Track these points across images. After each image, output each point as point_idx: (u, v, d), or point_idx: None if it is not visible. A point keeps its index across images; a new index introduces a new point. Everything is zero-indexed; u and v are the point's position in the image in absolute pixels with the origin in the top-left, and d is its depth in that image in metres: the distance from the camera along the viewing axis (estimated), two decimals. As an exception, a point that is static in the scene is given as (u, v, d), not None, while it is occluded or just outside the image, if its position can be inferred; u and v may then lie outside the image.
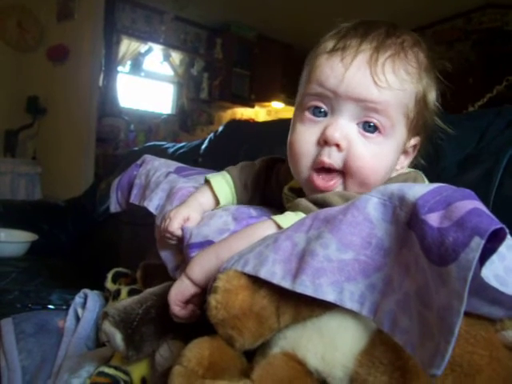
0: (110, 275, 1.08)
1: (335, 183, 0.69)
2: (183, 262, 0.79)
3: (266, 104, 6.25)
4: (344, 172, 0.68)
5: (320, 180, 0.69)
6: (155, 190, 0.94)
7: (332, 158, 0.68)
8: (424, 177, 0.74)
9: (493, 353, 0.49)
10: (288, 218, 0.66)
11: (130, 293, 0.96)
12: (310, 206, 0.67)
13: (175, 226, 0.79)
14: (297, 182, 0.78)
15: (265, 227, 0.66)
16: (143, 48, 5.25)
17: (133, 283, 1.02)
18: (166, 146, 1.99)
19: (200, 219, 0.81)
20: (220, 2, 4.90)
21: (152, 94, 5.53)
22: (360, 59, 0.66)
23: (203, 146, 1.78)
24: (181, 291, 0.67)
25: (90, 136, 4.01)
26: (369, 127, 0.67)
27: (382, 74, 0.65)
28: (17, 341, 0.95)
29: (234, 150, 1.51)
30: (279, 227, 0.65)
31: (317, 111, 0.70)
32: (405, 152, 0.74)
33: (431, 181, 0.66)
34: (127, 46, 5.09)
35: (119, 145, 4.81)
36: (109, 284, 1.06)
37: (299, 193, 0.75)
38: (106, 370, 0.75)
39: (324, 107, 0.69)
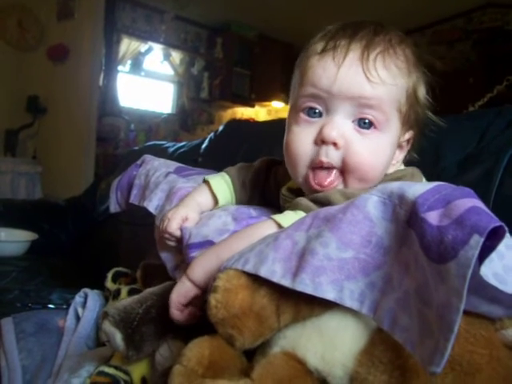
0: (110, 275, 1.08)
1: (334, 182, 0.70)
2: (183, 262, 0.79)
3: (267, 103, 6.25)
4: (343, 170, 0.69)
5: (318, 180, 0.70)
6: (155, 190, 0.94)
7: (330, 156, 0.68)
8: (421, 174, 0.75)
9: (493, 352, 0.49)
10: (288, 217, 0.66)
11: (130, 292, 0.96)
12: (311, 204, 0.67)
13: (174, 226, 0.79)
14: (294, 183, 0.79)
15: (265, 227, 0.67)
16: (143, 47, 5.25)
17: (133, 283, 1.02)
18: (167, 145, 1.99)
19: (198, 219, 0.81)
20: (220, 1, 4.90)
21: (152, 94, 5.52)
22: (351, 57, 0.67)
23: (203, 146, 1.78)
24: (182, 293, 0.67)
25: (90, 135, 4.01)
26: (364, 124, 0.68)
27: (374, 69, 0.67)
28: (17, 340, 0.95)
29: (234, 150, 1.51)
30: (280, 226, 0.65)
31: (311, 112, 0.71)
32: (399, 146, 0.76)
33: (431, 181, 0.66)
34: (127, 45, 5.08)
35: (119, 144, 4.81)
36: (109, 283, 1.06)
37: (297, 193, 0.75)
38: (106, 369, 0.75)
39: (319, 108, 0.70)
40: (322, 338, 0.53)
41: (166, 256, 0.85)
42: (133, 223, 1.74)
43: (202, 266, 0.67)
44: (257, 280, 0.53)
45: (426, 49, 5.04)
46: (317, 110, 0.70)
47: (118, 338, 0.72)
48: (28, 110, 4.08)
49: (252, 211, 0.81)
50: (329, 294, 0.49)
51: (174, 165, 1.04)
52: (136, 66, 5.23)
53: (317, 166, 0.70)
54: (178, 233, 0.79)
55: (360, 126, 0.68)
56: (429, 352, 0.40)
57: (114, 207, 1.08)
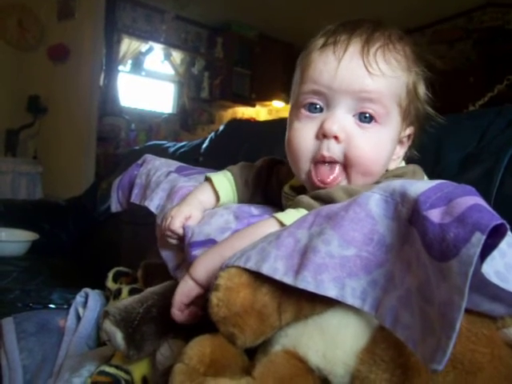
0: (110, 274, 1.08)
1: (338, 178, 0.70)
2: (184, 261, 0.79)
3: (267, 103, 6.25)
4: (345, 165, 0.70)
5: (321, 176, 0.70)
6: (156, 189, 0.94)
7: (331, 150, 0.69)
8: (422, 171, 0.75)
9: (494, 351, 0.49)
10: (290, 215, 0.66)
11: (131, 292, 0.96)
12: (312, 202, 0.67)
13: (177, 224, 0.79)
14: (297, 181, 0.79)
15: (267, 225, 0.67)
16: (144, 47, 5.25)
17: (134, 282, 1.02)
18: (167, 145, 2.00)
19: (201, 217, 0.81)
20: (221, 1, 4.90)
21: (153, 94, 5.53)
22: (352, 51, 0.68)
23: (204, 146, 1.78)
24: (185, 293, 0.67)
25: (90, 135, 4.01)
26: (365, 118, 0.69)
27: (374, 62, 0.67)
28: (18, 340, 0.95)
29: (234, 150, 1.51)
30: (282, 224, 0.65)
31: (312, 107, 0.71)
32: (400, 142, 0.76)
33: (432, 179, 0.66)
34: (128, 45, 5.08)
35: (120, 144, 4.81)
36: (110, 283, 1.06)
37: (299, 191, 0.75)
38: (107, 369, 0.75)
39: (319, 103, 0.71)
40: (324, 337, 0.53)
41: (167, 255, 0.85)
42: (134, 223, 1.74)
43: (204, 265, 0.67)
44: (258, 278, 0.53)
45: (427, 48, 5.01)
46: (318, 106, 0.71)
47: (118, 337, 0.72)
48: (28, 110, 4.08)
49: (254, 210, 0.81)
50: (331, 292, 0.49)
51: (175, 164, 1.04)
52: (136, 66, 5.23)
53: (319, 160, 0.70)
54: (180, 231, 0.79)
55: (361, 120, 0.69)
56: (430, 350, 0.40)
57: (115, 207, 1.08)
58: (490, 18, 4.98)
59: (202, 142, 1.81)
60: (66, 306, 1.16)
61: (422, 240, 0.44)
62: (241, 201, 0.89)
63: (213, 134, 1.83)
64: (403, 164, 0.78)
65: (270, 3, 4.65)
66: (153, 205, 0.92)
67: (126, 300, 0.78)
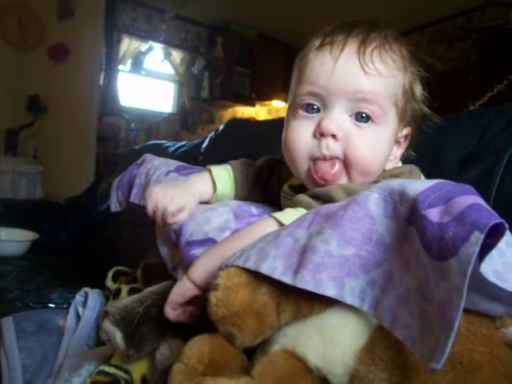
0: (110, 274, 1.08)
1: (338, 175, 0.70)
2: (182, 261, 0.79)
3: (267, 103, 6.25)
4: (345, 163, 0.70)
5: (321, 173, 0.70)
6: (155, 188, 0.94)
7: (330, 149, 0.69)
8: (420, 171, 0.75)
9: (493, 350, 0.49)
10: (289, 215, 0.66)
11: (131, 291, 0.96)
12: (311, 201, 0.68)
13: (170, 219, 0.79)
14: (296, 180, 0.79)
15: (266, 225, 0.67)
16: (144, 47, 5.25)
17: (133, 282, 1.02)
18: (167, 144, 2.00)
19: (194, 208, 0.81)
20: (220, 0, 4.90)
21: (153, 93, 5.53)
22: (348, 51, 0.68)
23: (204, 145, 1.78)
24: (181, 293, 0.67)
25: (90, 135, 4.02)
26: (361, 118, 0.69)
27: (370, 62, 0.68)
28: (17, 339, 0.95)
29: (234, 149, 1.50)
30: (280, 224, 0.65)
31: (310, 108, 0.72)
32: (397, 142, 0.76)
33: (431, 179, 0.66)
34: (128, 44, 5.09)
35: (120, 144, 4.81)
36: (109, 283, 1.06)
37: (298, 190, 0.76)
38: (107, 368, 0.75)
39: (316, 104, 0.71)
40: (323, 336, 0.53)
41: (166, 254, 0.86)
42: (133, 222, 1.74)
43: (203, 266, 0.67)
44: (257, 278, 0.53)
45: (426, 48, 5.04)
46: (315, 106, 0.71)
47: (118, 336, 0.72)
48: (28, 110, 4.08)
49: (253, 209, 0.81)
50: (329, 291, 0.49)
51: (174, 163, 1.04)
52: (136, 66, 5.23)
53: (318, 158, 0.70)
54: (172, 223, 0.80)
55: (357, 119, 0.70)
56: (429, 349, 0.40)
57: (114, 206, 1.08)
58: (489, 17, 4.98)
59: (202, 142, 1.81)
60: (65, 306, 1.16)
61: (421, 239, 0.44)
62: (238, 195, 0.89)
63: (213, 133, 1.83)
64: (400, 164, 0.79)
65: (270, 3, 4.65)
66: (152, 204, 0.92)
67: (126, 300, 0.78)
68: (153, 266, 0.99)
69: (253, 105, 6.25)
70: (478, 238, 0.40)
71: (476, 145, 0.95)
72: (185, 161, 1.11)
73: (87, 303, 1.04)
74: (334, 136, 0.69)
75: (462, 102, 2.46)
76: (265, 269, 0.53)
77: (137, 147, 2.43)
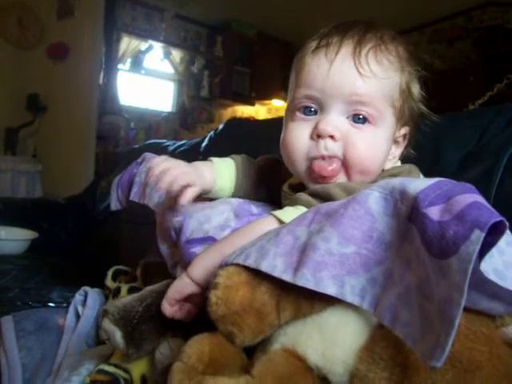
0: (109, 273, 1.08)
1: (336, 172, 0.70)
2: (181, 259, 0.79)
3: (267, 102, 6.25)
4: (344, 163, 0.70)
5: (319, 169, 0.70)
6: (155, 187, 0.94)
7: (329, 149, 0.70)
8: (418, 170, 0.75)
9: (493, 349, 0.49)
10: (288, 213, 0.67)
11: (130, 290, 0.96)
12: (310, 199, 0.68)
13: (176, 188, 0.74)
14: (295, 179, 0.79)
15: (266, 223, 0.67)
16: (143, 46, 5.25)
17: (133, 281, 1.02)
18: (167, 143, 2.00)
19: (198, 193, 0.78)
20: (220, -1, 4.90)
21: (152, 92, 5.52)
22: (343, 53, 0.69)
23: (203, 144, 1.78)
24: (178, 289, 0.68)
25: (90, 134, 4.01)
26: (358, 119, 0.70)
27: (366, 64, 0.68)
28: (17, 338, 0.95)
29: (234, 148, 1.50)
30: (280, 222, 0.66)
31: (307, 110, 0.73)
32: (396, 142, 0.77)
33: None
34: (127, 43, 5.08)
35: (119, 143, 4.81)
36: (109, 282, 1.06)
37: (298, 190, 0.76)
38: (106, 367, 0.75)
39: (314, 106, 0.72)
40: (323, 335, 0.53)
41: (166, 252, 0.86)
42: (133, 221, 1.74)
43: (202, 264, 0.67)
44: (257, 276, 0.53)
45: (426, 47, 5.04)
46: (312, 109, 0.72)
47: (117, 335, 0.72)
48: (28, 109, 4.08)
49: (253, 208, 0.81)
50: (330, 289, 0.49)
51: (174, 162, 1.04)
52: (136, 65, 5.23)
53: (317, 157, 0.71)
54: (175, 189, 0.74)
55: (354, 121, 0.70)
56: (429, 347, 0.40)
57: (114, 205, 1.08)
58: (489, 17, 4.98)
59: (202, 141, 1.81)
60: (65, 305, 1.16)
61: (422, 237, 0.44)
62: (237, 192, 0.88)
63: (212, 132, 1.83)
64: (399, 164, 0.79)
65: (270, 2, 4.65)
66: (152, 203, 0.92)
67: (125, 299, 0.78)
68: (152, 265, 0.99)
69: (252, 104, 6.24)
70: (478, 236, 0.40)
71: (476, 144, 0.95)
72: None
73: (87, 302, 1.04)
74: (332, 137, 0.69)
75: (462, 102, 2.46)
76: (265, 267, 0.53)
77: (136, 146, 2.43)
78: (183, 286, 0.68)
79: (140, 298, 0.77)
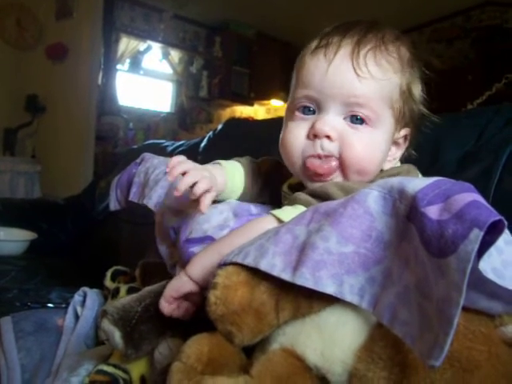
0: (108, 273, 1.08)
1: (332, 170, 0.70)
2: (180, 258, 0.79)
3: (266, 102, 6.24)
4: (341, 163, 0.70)
5: (314, 166, 0.71)
6: (154, 187, 0.94)
7: (325, 148, 0.70)
8: (417, 170, 0.75)
9: (491, 349, 0.49)
10: (287, 212, 0.67)
11: (129, 291, 0.96)
12: (308, 198, 0.68)
13: (201, 188, 0.71)
14: (294, 179, 0.79)
15: (265, 222, 0.67)
16: (142, 46, 5.24)
17: (132, 281, 1.02)
18: (165, 144, 1.99)
19: (215, 197, 0.76)
20: (219, 0, 4.90)
21: (151, 93, 5.52)
22: (342, 53, 0.69)
23: (202, 145, 1.78)
24: (176, 288, 0.68)
25: (89, 134, 4.01)
26: (356, 120, 0.70)
27: (364, 65, 0.68)
28: (16, 339, 0.95)
29: (233, 149, 1.50)
30: (279, 221, 0.66)
31: (306, 110, 0.73)
32: (396, 143, 0.76)
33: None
34: (126, 44, 5.08)
35: (118, 143, 4.81)
36: (108, 282, 1.06)
37: (297, 189, 0.76)
38: (105, 368, 0.75)
39: (312, 106, 0.72)
40: (322, 335, 0.53)
41: (165, 253, 0.86)
42: (132, 222, 1.74)
43: (201, 262, 0.67)
44: (256, 276, 0.53)
45: (425, 47, 5.05)
46: (311, 108, 0.72)
47: (116, 336, 0.72)
48: (27, 109, 4.08)
49: (253, 208, 0.81)
50: (329, 288, 0.49)
51: (173, 162, 1.04)
52: (135, 65, 5.23)
53: (313, 156, 0.71)
54: (198, 193, 0.71)
55: (352, 121, 0.70)
56: (428, 346, 0.40)
57: (113, 205, 1.08)
58: (488, 16, 4.98)
59: (201, 141, 1.81)
60: (64, 305, 1.16)
61: (420, 237, 0.44)
62: (245, 194, 0.87)
63: (211, 132, 1.83)
64: (399, 164, 0.79)
65: (269, 2, 4.65)
66: (151, 203, 0.92)
67: (124, 299, 0.78)
68: (151, 266, 0.99)
69: (251, 104, 6.24)
70: (477, 235, 0.40)
71: (474, 144, 0.95)
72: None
73: (86, 303, 1.04)
74: (328, 137, 0.69)
75: (461, 101, 2.46)
76: (264, 265, 0.53)
77: (135, 147, 2.43)
78: (181, 284, 0.68)
79: (139, 299, 0.77)
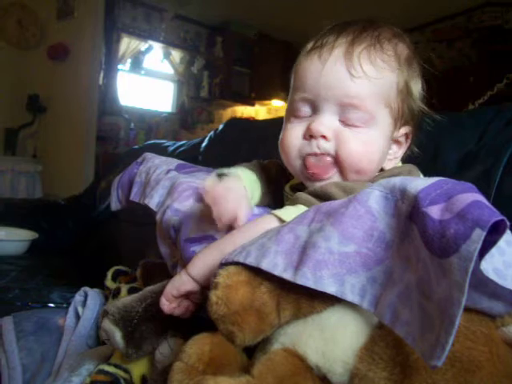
0: (109, 273, 1.08)
1: (328, 169, 0.71)
2: (181, 258, 0.79)
3: (266, 102, 6.24)
4: (338, 162, 0.70)
5: (310, 165, 0.71)
6: (156, 187, 0.94)
7: (321, 147, 0.70)
8: (419, 171, 0.75)
9: (493, 349, 0.49)
10: (289, 212, 0.67)
11: (130, 291, 0.96)
12: (310, 198, 0.68)
13: (243, 219, 0.68)
14: (296, 180, 0.79)
15: (267, 221, 0.67)
16: (143, 46, 5.24)
17: (132, 281, 1.02)
18: (167, 144, 1.99)
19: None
20: (220, 0, 4.90)
21: (152, 93, 5.52)
22: (336, 53, 0.69)
23: (203, 145, 1.78)
24: (176, 286, 0.68)
25: (90, 134, 4.01)
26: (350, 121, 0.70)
27: (358, 64, 0.68)
28: (17, 339, 0.95)
29: (234, 148, 1.51)
30: (281, 221, 0.66)
31: (302, 111, 0.73)
32: (397, 142, 0.76)
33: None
34: (127, 44, 5.08)
35: (119, 143, 4.81)
36: (109, 282, 1.06)
37: (298, 190, 0.76)
38: (106, 368, 0.75)
39: (308, 107, 0.73)
40: (323, 335, 0.53)
41: (166, 253, 0.86)
42: (133, 222, 1.74)
43: (202, 262, 0.67)
44: (257, 276, 0.53)
45: (426, 47, 5.04)
46: (307, 110, 0.73)
47: (117, 336, 0.72)
48: (28, 109, 4.08)
49: (255, 208, 0.81)
50: (330, 288, 0.49)
51: (174, 162, 1.04)
52: (136, 65, 5.23)
53: (309, 154, 0.71)
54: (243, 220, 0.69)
55: (347, 122, 0.70)
56: (430, 346, 0.40)
57: (114, 205, 1.09)
58: (489, 17, 4.98)
59: (202, 141, 1.81)
60: (65, 305, 1.16)
61: (422, 236, 0.44)
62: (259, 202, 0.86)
63: (212, 132, 1.83)
64: (400, 164, 0.78)
65: (270, 2, 4.65)
66: (153, 202, 0.92)
67: (125, 299, 0.78)
68: (152, 266, 0.99)
69: (252, 104, 6.24)
70: (479, 235, 0.40)
71: (476, 144, 0.95)
72: (184, 160, 1.11)
73: (87, 303, 1.04)
74: (324, 137, 0.70)
75: (462, 102, 2.46)
76: (265, 265, 0.53)
77: (136, 147, 2.42)
78: (181, 282, 0.68)
79: (140, 299, 0.77)
